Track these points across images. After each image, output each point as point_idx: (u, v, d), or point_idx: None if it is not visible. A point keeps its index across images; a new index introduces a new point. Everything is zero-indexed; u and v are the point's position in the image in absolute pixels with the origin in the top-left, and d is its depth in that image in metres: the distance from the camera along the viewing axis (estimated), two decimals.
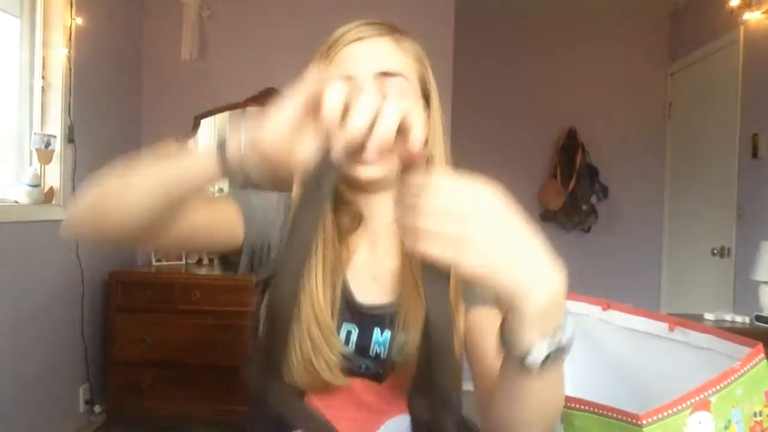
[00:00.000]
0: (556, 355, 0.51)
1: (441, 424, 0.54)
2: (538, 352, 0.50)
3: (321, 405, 0.80)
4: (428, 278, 0.53)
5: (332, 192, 0.54)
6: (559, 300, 0.50)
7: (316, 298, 0.79)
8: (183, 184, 0.64)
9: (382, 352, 0.82)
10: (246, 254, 0.85)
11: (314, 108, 0.56)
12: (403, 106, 0.55)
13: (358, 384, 0.82)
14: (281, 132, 0.58)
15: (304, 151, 0.58)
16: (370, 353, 0.83)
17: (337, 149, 0.54)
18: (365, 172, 0.80)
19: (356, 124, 0.53)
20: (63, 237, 0.75)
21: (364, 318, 0.83)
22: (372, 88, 0.57)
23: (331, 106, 0.54)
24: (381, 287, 0.85)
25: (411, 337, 0.79)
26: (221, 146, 0.62)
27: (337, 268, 0.82)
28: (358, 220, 0.88)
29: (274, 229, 0.86)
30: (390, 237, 0.87)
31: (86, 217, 0.72)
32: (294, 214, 0.58)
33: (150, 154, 0.66)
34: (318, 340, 0.77)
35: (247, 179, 0.62)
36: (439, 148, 0.85)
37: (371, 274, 0.86)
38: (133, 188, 0.65)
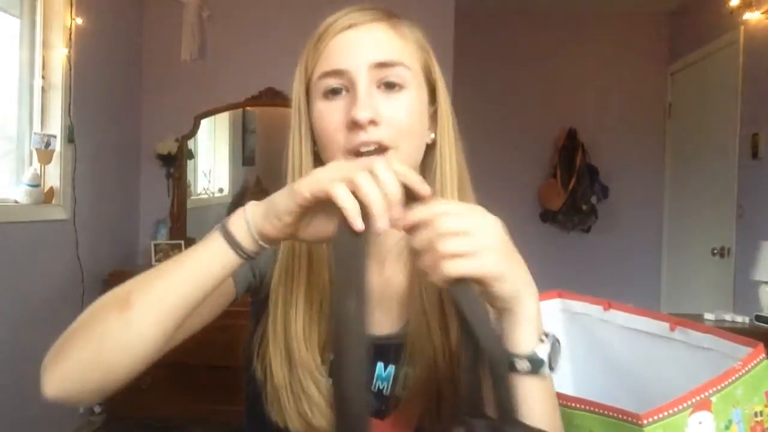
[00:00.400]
0: (556, 352, 0.55)
1: None
2: (542, 350, 0.54)
3: None
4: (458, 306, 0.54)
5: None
6: (539, 307, 0.56)
7: (294, 329, 0.71)
8: (204, 286, 0.61)
9: (386, 387, 0.75)
10: (242, 291, 0.81)
11: (321, 200, 0.56)
12: (396, 169, 0.55)
13: None
14: (288, 223, 0.59)
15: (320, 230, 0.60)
16: (372, 389, 0.75)
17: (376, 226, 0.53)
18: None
19: (376, 209, 0.53)
20: (51, 399, 0.62)
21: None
22: (356, 166, 0.55)
23: (350, 206, 0.53)
24: (387, 315, 0.77)
25: (418, 369, 0.73)
26: (226, 233, 0.62)
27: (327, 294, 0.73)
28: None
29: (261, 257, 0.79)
30: (398, 257, 0.78)
31: (75, 361, 0.63)
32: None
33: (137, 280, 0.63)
34: (299, 380, 0.70)
35: (260, 251, 0.62)
36: (449, 141, 0.76)
37: (376, 299, 0.77)
38: (141, 315, 0.60)
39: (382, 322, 0.76)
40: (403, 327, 0.76)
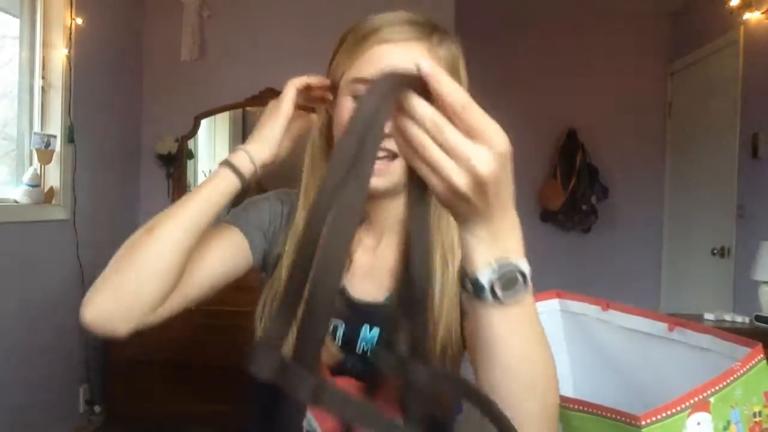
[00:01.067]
0: (508, 284, 0.51)
1: (411, 377, 0.48)
2: (485, 274, 0.51)
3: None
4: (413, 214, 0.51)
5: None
6: (513, 230, 0.54)
7: None
8: (214, 206, 0.77)
9: (370, 349, 0.81)
10: (258, 265, 0.90)
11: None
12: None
13: (345, 384, 0.80)
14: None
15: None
16: (357, 350, 0.81)
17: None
18: (374, 182, 0.78)
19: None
20: (88, 323, 0.77)
21: (354, 313, 0.82)
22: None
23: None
24: (376, 285, 0.84)
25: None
26: (229, 164, 0.78)
27: None
28: (361, 218, 0.87)
29: (273, 231, 0.89)
30: (393, 238, 0.85)
31: (111, 284, 0.78)
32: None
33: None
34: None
35: (256, 174, 0.80)
36: None
37: (368, 271, 0.85)
38: (162, 231, 0.75)
39: (371, 290, 0.83)
40: (389, 296, 0.82)
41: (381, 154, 0.74)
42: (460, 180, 0.47)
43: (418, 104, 0.46)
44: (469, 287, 0.53)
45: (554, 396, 0.59)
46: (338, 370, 0.81)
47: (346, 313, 0.82)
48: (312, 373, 0.39)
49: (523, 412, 0.55)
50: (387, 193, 0.82)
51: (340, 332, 0.82)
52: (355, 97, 0.78)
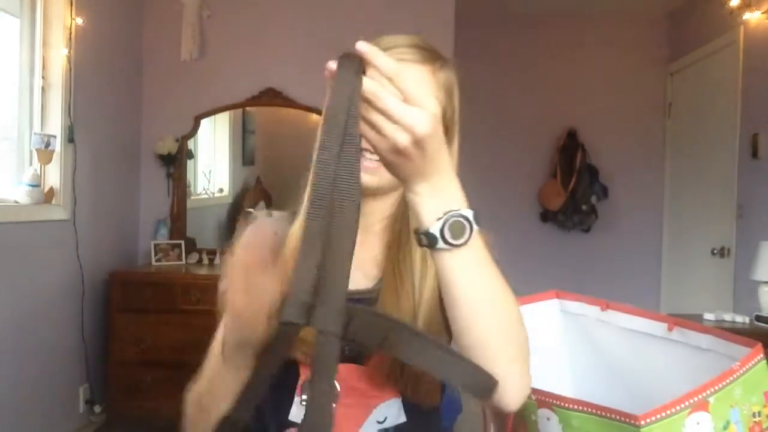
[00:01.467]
0: (456, 230, 0.60)
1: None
2: (436, 225, 0.60)
3: None
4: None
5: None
6: (452, 183, 0.62)
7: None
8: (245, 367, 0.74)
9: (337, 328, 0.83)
10: None
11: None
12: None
13: (343, 369, 0.83)
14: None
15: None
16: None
17: None
18: (364, 179, 0.82)
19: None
20: None
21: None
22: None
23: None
24: (363, 275, 0.88)
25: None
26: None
27: None
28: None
29: None
30: (378, 234, 0.91)
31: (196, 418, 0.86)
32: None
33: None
34: None
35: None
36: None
37: (355, 263, 0.88)
38: (216, 409, 0.75)
39: (359, 279, 0.87)
40: (377, 283, 0.87)
41: (373, 157, 0.78)
42: (402, 138, 0.55)
43: (364, 80, 0.55)
44: (424, 240, 0.61)
45: (519, 329, 0.68)
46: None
47: None
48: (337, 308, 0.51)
49: (492, 347, 0.65)
50: (376, 192, 0.88)
51: None
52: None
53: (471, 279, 0.64)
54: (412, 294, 0.82)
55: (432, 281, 0.84)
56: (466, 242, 0.61)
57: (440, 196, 0.61)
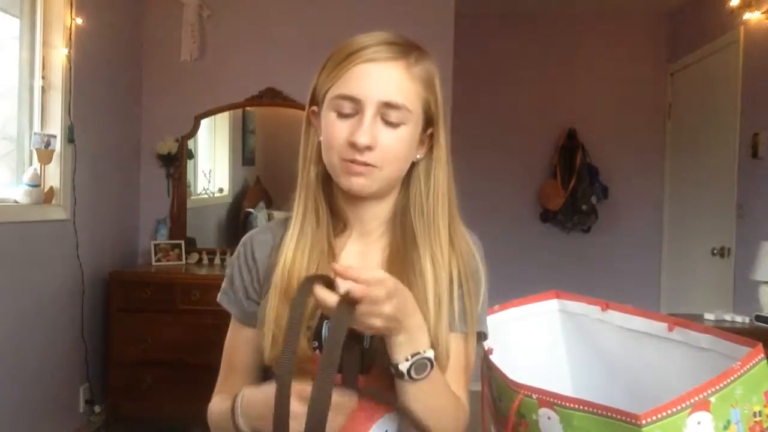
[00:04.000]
0: (419, 369, 0.77)
1: None
2: (405, 365, 0.77)
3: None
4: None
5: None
6: (421, 329, 0.79)
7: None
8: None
9: (366, 341, 0.85)
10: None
11: None
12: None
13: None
14: None
15: None
16: (365, 346, 0.86)
17: None
18: (355, 182, 0.85)
19: None
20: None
21: None
22: None
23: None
24: None
25: None
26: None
27: (323, 269, 0.88)
28: (345, 224, 0.94)
29: (257, 279, 0.96)
30: (378, 238, 0.93)
31: None
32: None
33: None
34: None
35: None
36: (442, 167, 0.91)
37: (358, 263, 0.91)
38: None
39: None
40: None
41: (356, 167, 0.84)
42: (377, 322, 0.73)
43: (340, 285, 0.70)
44: (394, 372, 0.78)
45: (456, 427, 0.87)
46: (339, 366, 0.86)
47: None
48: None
49: None
50: (373, 196, 0.89)
51: None
52: (339, 112, 0.85)
53: (424, 403, 0.80)
54: (422, 293, 0.85)
55: (441, 278, 0.86)
56: (426, 377, 0.78)
57: (411, 342, 0.77)
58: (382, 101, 0.83)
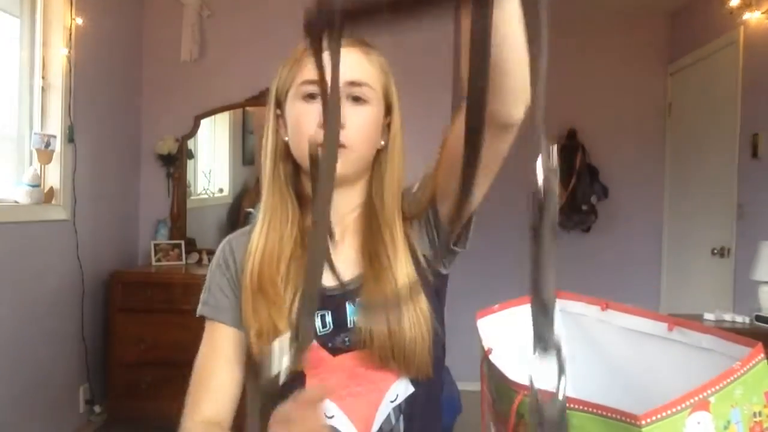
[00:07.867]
0: None
1: None
2: None
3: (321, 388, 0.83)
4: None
5: None
6: None
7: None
8: None
9: (351, 321, 0.89)
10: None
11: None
12: None
13: (348, 359, 0.87)
14: None
15: None
16: (349, 326, 0.89)
17: None
18: None
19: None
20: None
21: (333, 299, 0.90)
22: None
23: None
24: (347, 265, 0.93)
25: (372, 301, 0.89)
26: None
27: (300, 263, 0.91)
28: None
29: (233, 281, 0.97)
30: (349, 225, 0.95)
31: None
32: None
33: None
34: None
35: None
36: (398, 154, 0.94)
37: (335, 258, 0.93)
38: None
39: (344, 270, 0.93)
40: (360, 273, 0.92)
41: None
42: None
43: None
44: None
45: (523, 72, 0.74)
46: (339, 349, 0.88)
47: (326, 302, 0.90)
48: None
49: (520, 75, 0.72)
50: (343, 181, 0.91)
51: (328, 318, 0.90)
52: (306, 96, 0.88)
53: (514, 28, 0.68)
54: (391, 277, 0.88)
55: (405, 262, 0.89)
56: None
57: None
58: (346, 80, 0.87)
